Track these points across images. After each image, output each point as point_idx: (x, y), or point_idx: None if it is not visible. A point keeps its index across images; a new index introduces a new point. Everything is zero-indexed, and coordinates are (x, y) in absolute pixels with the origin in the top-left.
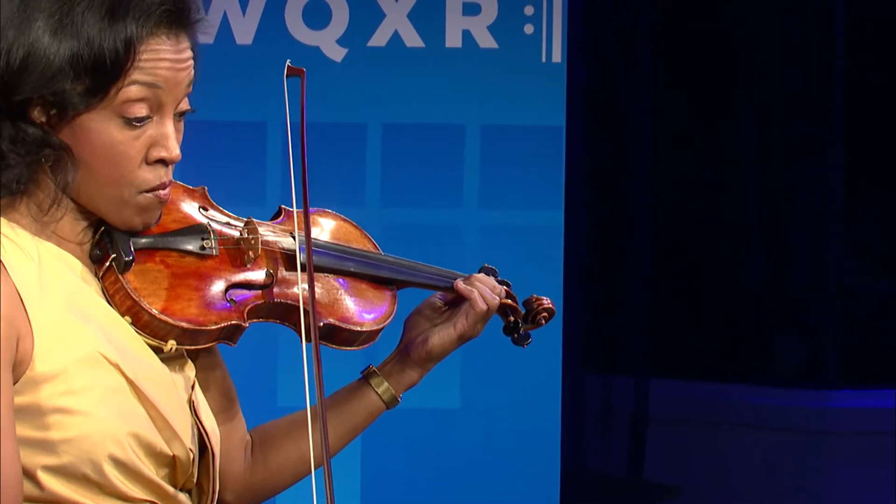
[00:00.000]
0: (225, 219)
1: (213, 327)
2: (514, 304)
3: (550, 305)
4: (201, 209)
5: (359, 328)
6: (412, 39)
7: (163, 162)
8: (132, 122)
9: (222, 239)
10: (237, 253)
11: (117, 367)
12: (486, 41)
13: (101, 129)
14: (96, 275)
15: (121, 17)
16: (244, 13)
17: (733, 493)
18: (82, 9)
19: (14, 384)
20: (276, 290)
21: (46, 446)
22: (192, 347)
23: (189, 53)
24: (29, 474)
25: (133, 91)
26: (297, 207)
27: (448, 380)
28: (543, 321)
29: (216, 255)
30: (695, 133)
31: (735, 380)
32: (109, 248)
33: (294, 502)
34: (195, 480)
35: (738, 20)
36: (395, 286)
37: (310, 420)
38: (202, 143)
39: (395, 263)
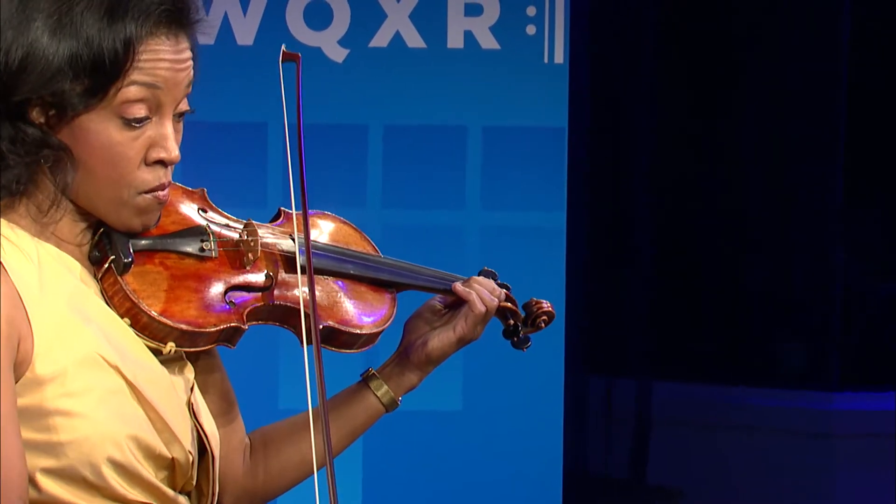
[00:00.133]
0: (224, 220)
1: (213, 329)
2: (514, 308)
3: (550, 309)
4: (200, 211)
5: (358, 331)
6: (414, 40)
7: (162, 163)
8: (131, 123)
9: (221, 241)
10: (236, 255)
11: (117, 368)
12: (487, 42)
13: (100, 129)
14: (95, 276)
15: (120, 17)
16: (245, 14)
17: (736, 495)
18: (81, 9)
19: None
20: (275, 292)
21: (45, 448)
22: (192, 349)
23: (188, 54)
24: (28, 476)
25: (132, 91)
26: (295, 209)
27: (450, 382)
28: (543, 324)
29: (215, 257)
30: (697, 134)
31: (737, 382)
32: (108, 249)
33: None
34: (194, 483)
35: (740, 21)
36: (394, 289)
37: (311, 422)
38: (203, 143)
39: (395, 266)
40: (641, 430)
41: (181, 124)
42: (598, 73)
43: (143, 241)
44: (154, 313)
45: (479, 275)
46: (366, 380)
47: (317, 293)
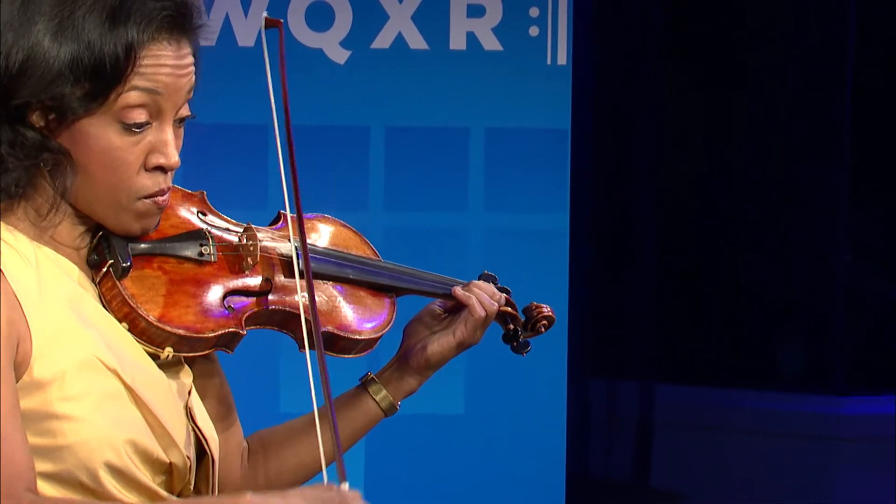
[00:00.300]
0: (224, 224)
1: (211, 335)
2: (514, 312)
3: (550, 313)
4: (200, 214)
5: (357, 336)
6: (416, 41)
7: (161, 169)
8: (131, 128)
9: (221, 245)
10: (236, 259)
11: (115, 372)
12: (490, 43)
13: (99, 134)
14: (93, 280)
15: (122, 22)
16: (246, 15)
17: (738, 498)
18: (83, 12)
19: None
20: (274, 297)
21: (42, 452)
22: (190, 354)
23: (190, 59)
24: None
25: (133, 97)
26: (291, 206)
27: (452, 385)
28: (543, 329)
29: (214, 262)
30: (700, 135)
31: (740, 385)
32: (107, 253)
33: None
34: (192, 487)
35: (744, 21)
36: (394, 293)
37: (318, 423)
38: (203, 145)
39: (395, 270)
40: (644, 433)
41: (182, 130)
42: (602, 75)
43: (142, 246)
44: (152, 319)
45: (479, 278)
46: (364, 384)
47: (316, 298)
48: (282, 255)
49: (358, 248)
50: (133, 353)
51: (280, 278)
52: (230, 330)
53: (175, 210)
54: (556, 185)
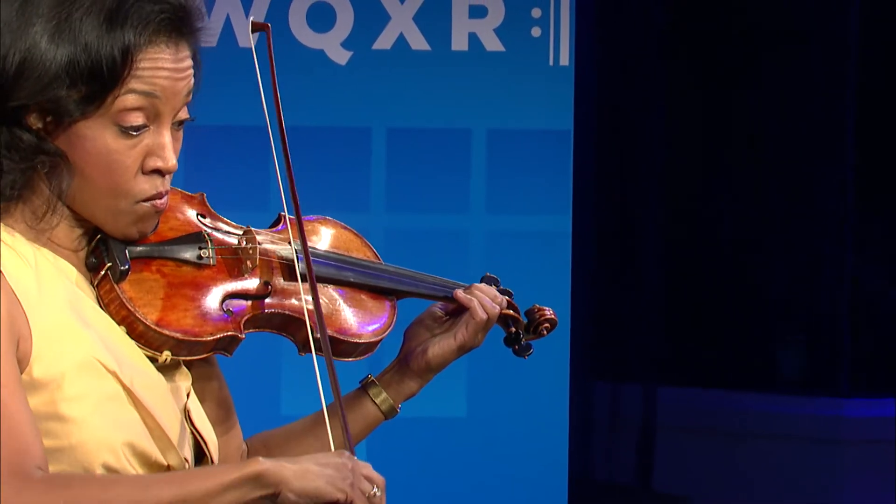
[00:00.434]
0: (223, 226)
1: (209, 339)
2: (516, 315)
3: (553, 316)
4: (199, 216)
5: (357, 340)
6: (418, 42)
7: (159, 172)
8: (128, 131)
9: (220, 248)
10: (235, 262)
11: (114, 374)
12: (492, 44)
13: (96, 136)
14: (92, 283)
15: (119, 25)
16: (247, 16)
17: (742, 501)
18: (80, 14)
19: None
20: (273, 300)
21: None
22: (188, 358)
23: (189, 63)
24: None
25: (129, 100)
26: (289, 208)
27: (454, 388)
28: (545, 332)
29: (213, 265)
30: (703, 136)
31: (744, 387)
32: (105, 256)
33: None
34: None
35: (747, 22)
36: (394, 296)
37: (328, 420)
38: (204, 147)
39: (396, 273)
40: (647, 436)
41: (181, 133)
42: (604, 76)
43: (141, 249)
44: (150, 322)
45: (481, 281)
46: (365, 387)
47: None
48: (282, 257)
49: (359, 250)
50: (132, 355)
51: (279, 281)
52: (228, 333)
53: (174, 212)
54: (559, 186)
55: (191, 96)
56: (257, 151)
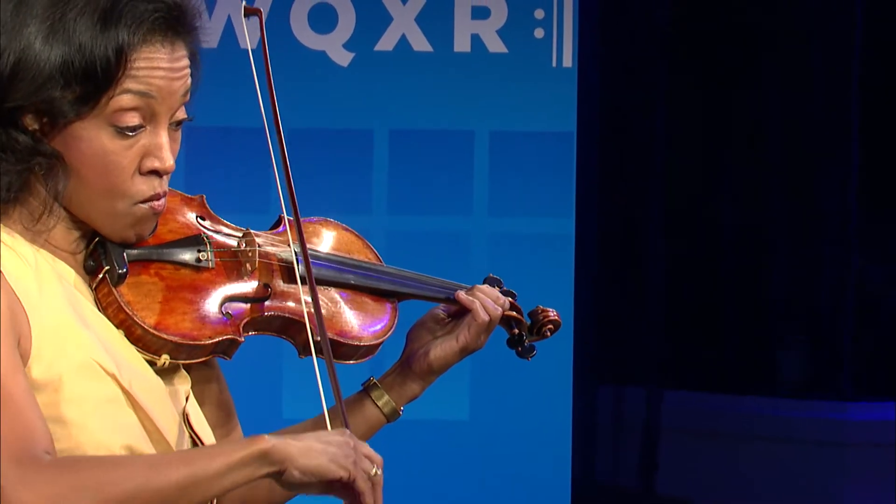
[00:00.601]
0: (222, 229)
1: (208, 342)
2: (519, 316)
3: (556, 317)
4: (199, 219)
5: (357, 343)
6: (420, 43)
7: (156, 173)
8: (124, 132)
9: (219, 251)
10: (234, 265)
11: (113, 377)
12: (495, 45)
13: (92, 137)
14: (90, 286)
15: (113, 24)
16: (248, 17)
17: None
18: (74, 15)
19: None
20: (273, 303)
21: None
22: (187, 362)
23: (185, 62)
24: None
25: (125, 100)
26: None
27: (457, 391)
28: (549, 333)
29: (212, 268)
30: (707, 139)
31: (748, 390)
32: (103, 259)
33: None
34: None
35: (750, 24)
36: (396, 298)
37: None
38: (205, 149)
39: (398, 275)
40: (650, 439)
41: (179, 133)
42: (608, 77)
43: (139, 251)
44: (148, 326)
45: (483, 282)
46: (367, 389)
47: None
48: (281, 260)
49: (360, 252)
50: (131, 358)
51: (279, 284)
52: (227, 337)
53: (173, 214)
54: (562, 188)
55: (188, 96)
56: (258, 153)
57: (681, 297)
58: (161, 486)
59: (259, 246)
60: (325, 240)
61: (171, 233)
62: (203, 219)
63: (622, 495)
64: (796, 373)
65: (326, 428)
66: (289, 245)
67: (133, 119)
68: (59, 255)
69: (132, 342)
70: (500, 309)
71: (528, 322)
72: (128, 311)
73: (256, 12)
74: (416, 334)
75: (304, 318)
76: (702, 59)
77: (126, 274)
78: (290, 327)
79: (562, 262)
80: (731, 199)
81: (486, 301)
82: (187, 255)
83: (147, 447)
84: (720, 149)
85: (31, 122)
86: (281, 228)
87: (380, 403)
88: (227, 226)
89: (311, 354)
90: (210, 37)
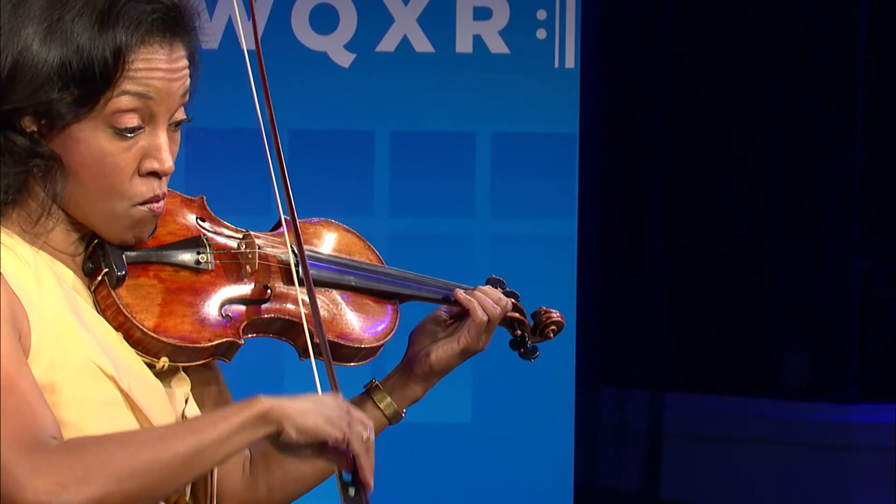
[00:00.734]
0: (223, 230)
1: (207, 344)
2: (522, 317)
3: (559, 318)
4: (199, 220)
5: (358, 345)
6: (422, 44)
7: (155, 174)
8: (123, 133)
9: (219, 253)
10: (234, 267)
11: (112, 379)
12: (497, 46)
13: (90, 139)
14: (89, 288)
15: (111, 26)
16: (250, 17)
17: None
18: (72, 16)
19: None
20: (272, 305)
21: None
22: (186, 364)
23: (184, 63)
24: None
25: (123, 101)
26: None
27: (459, 393)
28: (552, 334)
29: (212, 270)
30: (711, 139)
31: (752, 393)
32: (102, 261)
33: None
34: (187, 498)
35: (754, 24)
36: (397, 300)
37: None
38: (206, 150)
39: (399, 277)
40: (653, 442)
41: (178, 134)
42: (610, 78)
43: (138, 254)
44: (147, 328)
45: (486, 283)
46: (369, 391)
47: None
48: (281, 262)
49: (361, 253)
50: (129, 360)
51: (279, 286)
52: (227, 339)
53: (173, 216)
54: (564, 190)
55: (187, 97)
56: (259, 154)
57: (684, 298)
58: (170, 457)
59: (259, 248)
60: (327, 241)
61: (171, 234)
62: (203, 220)
63: (625, 499)
64: (800, 375)
65: None
66: (290, 246)
67: (132, 120)
68: (58, 256)
69: (131, 345)
70: (498, 308)
71: (531, 323)
72: (126, 313)
73: None
74: (417, 336)
75: (303, 320)
76: (704, 60)
77: (125, 276)
78: (290, 329)
79: (564, 263)
80: (735, 201)
81: (485, 301)
82: (187, 257)
83: None
84: (723, 150)
85: (29, 124)
86: (281, 230)
87: (382, 406)
88: (227, 227)
89: (310, 357)
90: (210, 38)
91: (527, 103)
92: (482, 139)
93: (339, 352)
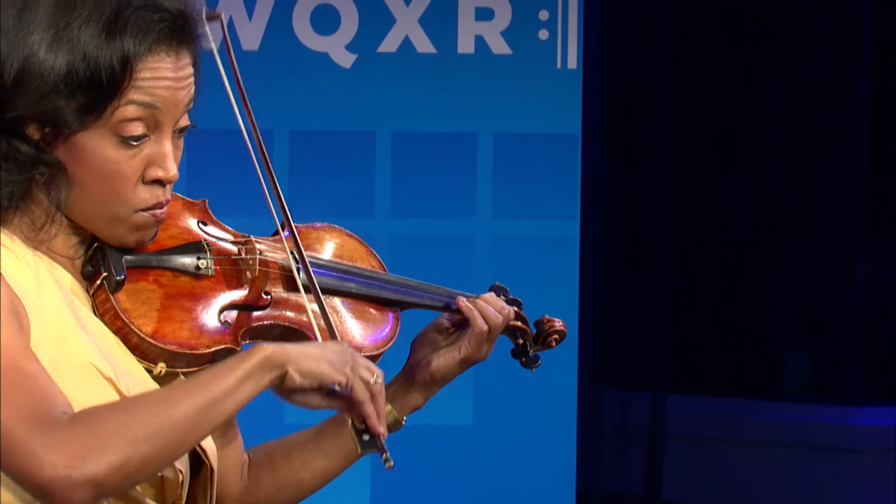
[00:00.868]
0: (224, 235)
1: (206, 351)
2: (524, 326)
3: (562, 327)
4: (200, 224)
5: (359, 352)
6: (423, 45)
7: (160, 182)
8: (128, 142)
9: (219, 258)
10: (234, 272)
11: (111, 381)
12: (499, 47)
13: (96, 147)
14: (88, 291)
15: (118, 33)
16: (250, 18)
17: None
18: (79, 24)
19: None
20: (272, 311)
21: None
22: (184, 370)
23: (189, 71)
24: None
25: (129, 111)
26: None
27: (461, 395)
28: (554, 343)
29: (212, 275)
30: (713, 140)
31: (754, 395)
32: (101, 265)
33: None
34: (184, 501)
35: (756, 24)
36: (398, 307)
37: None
38: (207, 151)
39: (401, 284)
40: (656, 445)
41: (182, 140)
42: (613, 79)
43: (138, 258)
44: (144, 334)
45: (489, 289)
46: None
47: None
48: (281, 267)
49: (364, 259)
50: (128, 363)
51: (279, 292)
52: (225, 346)
53: (175, 220)
54: (567, 191)
55: (192, 104)
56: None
57: (686, 300)
58: (182, 415)
59: (259, 253)
60: (329, 247)
61: (172, 238)
62: (205, 224)
63: (627, 502)
64: (803, 377)
65: (329, 434)
66: (290, 252)
67: (137, 129)
68: (57, 260)
69: (129, 349)
70: (500, 317)
71: (534, 332)
72: (124, 318)
73: (216, 17)
74: (419, 344)
75: (303, 326)
76: (705, 60)
77: (124, 281)
78: (289, 336)
79: (566, 265)
80: (738, 202)
81: (487, 310)
82: (187, 262)
83: None
84: (724, 150)
85: (34, 132)
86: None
87: None
88: (229, 232)
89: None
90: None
91: (529, 104)
92: (484, 140)
93: None
